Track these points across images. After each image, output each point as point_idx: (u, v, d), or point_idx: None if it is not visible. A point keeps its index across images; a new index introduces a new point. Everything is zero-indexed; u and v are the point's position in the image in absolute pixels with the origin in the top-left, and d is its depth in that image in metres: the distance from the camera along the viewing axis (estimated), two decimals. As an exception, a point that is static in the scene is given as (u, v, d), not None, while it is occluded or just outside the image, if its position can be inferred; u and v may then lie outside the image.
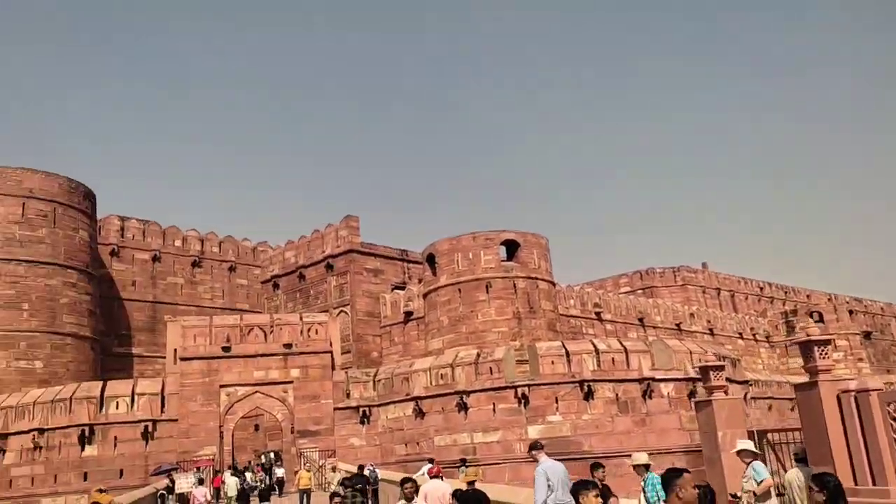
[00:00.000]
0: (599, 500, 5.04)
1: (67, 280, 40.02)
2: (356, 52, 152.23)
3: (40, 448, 28.69)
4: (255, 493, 25.65)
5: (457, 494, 7.01)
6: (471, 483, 10.79)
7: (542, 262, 40.85)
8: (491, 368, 28.92)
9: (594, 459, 13.71)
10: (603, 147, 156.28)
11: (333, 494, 10.20)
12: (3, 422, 29.67)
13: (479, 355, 29.74)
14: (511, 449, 27.08)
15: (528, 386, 27.78)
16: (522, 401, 27.65)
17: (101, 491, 13.80)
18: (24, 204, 39.44)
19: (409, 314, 45.06)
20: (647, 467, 10.28)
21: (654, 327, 54.24)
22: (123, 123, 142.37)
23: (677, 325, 56.51)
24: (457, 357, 30.24)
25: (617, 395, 27.62)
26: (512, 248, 40.47)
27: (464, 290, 39.27)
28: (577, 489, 5.11)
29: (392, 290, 47.71)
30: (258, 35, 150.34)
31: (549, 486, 8.29)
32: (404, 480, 7.47)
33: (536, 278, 39.94)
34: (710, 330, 58.30)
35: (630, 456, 12.89)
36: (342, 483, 12.55)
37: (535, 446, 9.30)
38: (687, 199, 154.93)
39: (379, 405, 31.59)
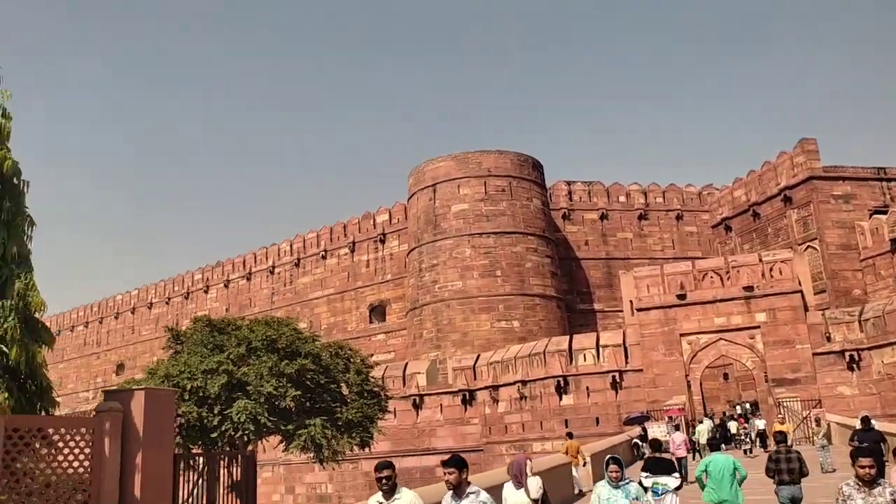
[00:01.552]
0: None
1: (529, 246, 43.61)
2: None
3: (525, 398, 31.64)
4: (745, 445, 24.08)
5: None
6: None
7: None
8: None
9: None
10: None
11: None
12: (493, 375, 33.54)
13: None
14: None
15: None
16: None
17: (569, 436, 14.15)
18: (485, 182, 44.21)
19: (896, 241, 37.75)
20: None
21: None
22: (555, 91, 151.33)
23: None
24: (974, 285, 23.95)
25: None
26: None
27: (973, 201, 31.17)
28: None
29: (871, 215, 40.59)
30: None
31: None
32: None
33: None
34: None
35: None
36: (777, 440, 10.24)
37: None
38: None
39: (870, 348, 26.99)
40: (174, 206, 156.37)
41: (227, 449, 21.76)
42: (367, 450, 24.54)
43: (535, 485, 6.36)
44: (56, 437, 5.48)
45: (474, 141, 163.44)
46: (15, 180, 5.95)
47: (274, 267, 57.24)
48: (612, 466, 6.32)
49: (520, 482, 6.35)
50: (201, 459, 6.78)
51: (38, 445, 5.22)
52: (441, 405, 34.35)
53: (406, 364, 36.89)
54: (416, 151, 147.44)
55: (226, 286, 60.48)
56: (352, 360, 24.58)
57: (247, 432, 20.19)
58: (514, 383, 31.98)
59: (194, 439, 21.01)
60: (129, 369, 61.33)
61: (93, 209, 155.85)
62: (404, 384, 34.78)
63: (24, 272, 5.53)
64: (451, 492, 5.16)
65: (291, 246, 56.84)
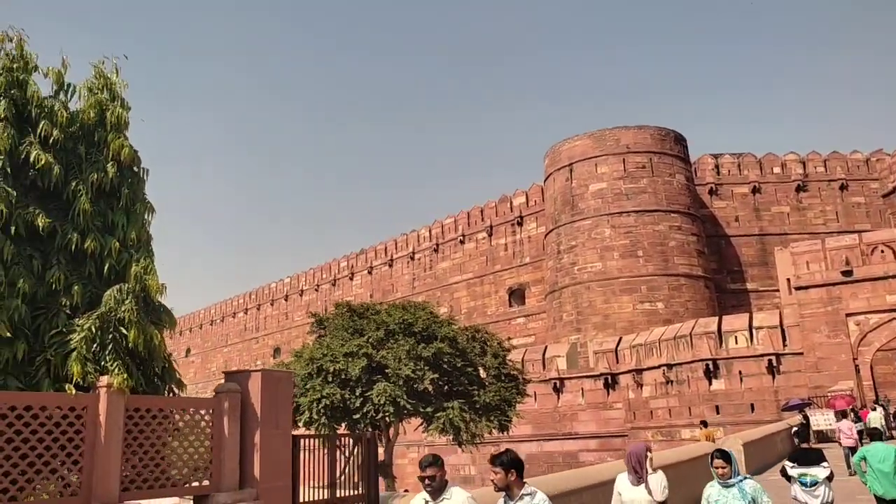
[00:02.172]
0: None
1: (672, 224, 41.56)
2: None
3: (671, 382, 30.22)
4: None
5: None
6: None
7: None
8: None
9: None
10: None
11: None
12: (636, 358, 32.30)
13: None
14: None
15: None
16: None
17: (703, 424, 13.23)
18: (623, 159, 42.56)
19: None
20: None
21: None
22: (697, 62, 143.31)
23: None
24: None
25: None
26: None
27: None
28: None
29: None
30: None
31: None
32: None
33: None
34: None
35: None
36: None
37: None
38: None
39: None
40: (321, 197, 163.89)
41: (369, 430, 22.43)
42: (506, 433, 24.40)
43: (659, 484, 5.37)
44: (177, 417, 5.62)
45: (612, 119, 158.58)
46: (135, 168, 6.19)
47: (414, 253, 58.36)
48: (718, 461, 5.27)
49: (639, 476, 5.53)
50: (317, 441, 6.76)
51: (159, 425, 5.37)
52: (582, 389, 33.57)
53: (545, 347, 36.37)
54: (553, 132, 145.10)
55: (369, 273, 62.47)
56: (488, 343, 24.45)
57: (387, 414, 20.61)
58: (659, 367, 30.61)
59: (338, 420, 21.74)
60: (284, 353, 64.98)
61: (247, 205, 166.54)
62: (544, 368, 34.30)
63: (143, 257, 5.72)
64: (503, 494, 4.41)
65: (430, 232, 57.67)
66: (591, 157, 43.22)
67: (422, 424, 22.39)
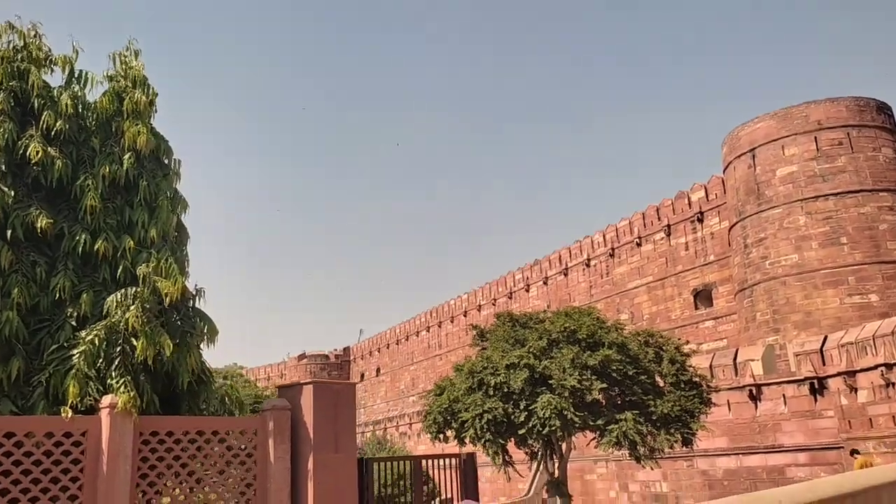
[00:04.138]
0: None
1: (882, 204, 36.35)
2: None
3: (892, 385, 25.89)
4: None
5: None
6: None
7: None
8: None
9: None
10: None
11: None
12: (847, 359, 28.14)
13: None
14: None
15: None
16: None
17: (854, 454, 10.66)
18: (815, 137, 38.05)
19: None
20: None
21: None
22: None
23: None
24: None
25: None
26: None
27: None
28: None
29: None
30: None
31: None
32: None
33: None
34: None
35: None
36: None
37: None
38: None
39: None
40: (495, 207, 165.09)
41: (537, 444, 21.15)
42: (690, 447, 22.04)
43: None
44: (207, 441, 4.81)
45: (794, 97, 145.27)
46: (165, 160, 5.53)
47: (589, 259, 56.17)
48: None
49: None
50: (394, 463, 5.70)
51: (183, 451, 4.58)
52: (784, 396, 29.78)
53: (736, 351, 32.88)
54: (729, 118, 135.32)
55: (545, 283, 61.04)
56: (664, 348, 22.29)
57: (553, 428, 19.22)
58: (876, 367, 26.34)
59: (504, 435, 20.67)
60: (466, 369, 65.04)
61: (427, 222, 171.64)
62: (736, 373, 30.95)
63: (165, 257, 4.98)
64: None
65: (605, 236, 55.24)
66: (775, 138, 39.03)
67: (594, 438, 20.78)
